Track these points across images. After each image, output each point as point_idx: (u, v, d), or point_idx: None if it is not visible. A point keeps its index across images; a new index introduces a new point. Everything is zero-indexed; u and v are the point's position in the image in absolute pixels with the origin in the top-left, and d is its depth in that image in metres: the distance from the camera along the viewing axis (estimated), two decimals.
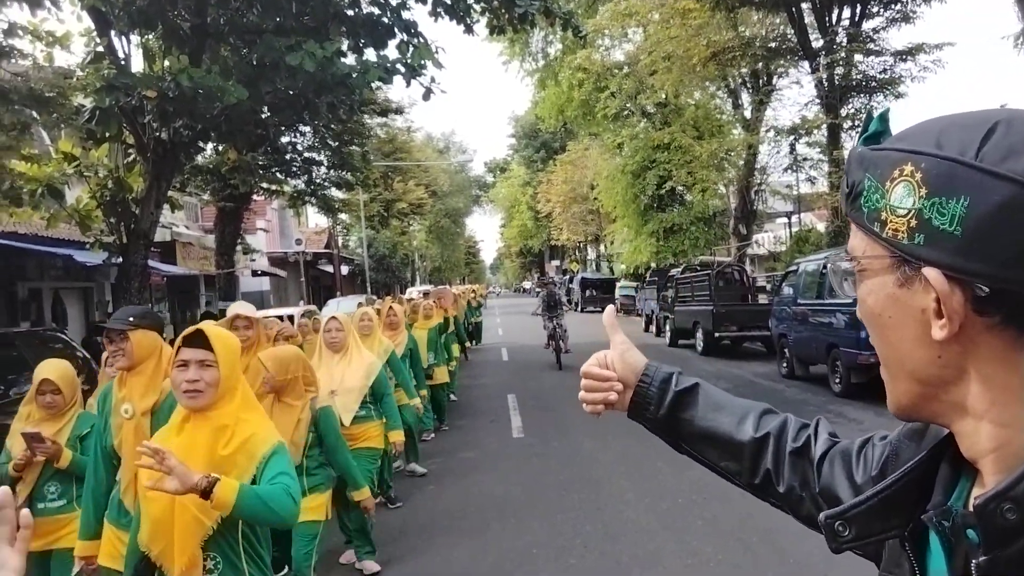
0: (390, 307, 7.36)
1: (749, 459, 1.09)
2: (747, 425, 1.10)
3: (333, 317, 5.19)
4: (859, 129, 0.80)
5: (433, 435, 8.98)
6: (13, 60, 9.28)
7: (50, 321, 14.09)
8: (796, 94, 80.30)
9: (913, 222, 0.66)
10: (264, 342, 4.68)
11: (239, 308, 4.68)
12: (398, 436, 5.37)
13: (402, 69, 10.87)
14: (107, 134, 9.83)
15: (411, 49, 10.99)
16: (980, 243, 0.63)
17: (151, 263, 12.32)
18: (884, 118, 0.77)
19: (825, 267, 10.55)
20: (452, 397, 11.09)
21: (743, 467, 1.10)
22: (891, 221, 0.69)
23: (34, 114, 10.19)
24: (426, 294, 16.55)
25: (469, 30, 12.25)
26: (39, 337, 7.75)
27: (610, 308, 1.29)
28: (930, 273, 0.66)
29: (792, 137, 21.43)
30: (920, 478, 0.77)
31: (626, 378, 1.16)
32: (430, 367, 8.20)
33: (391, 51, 11.24)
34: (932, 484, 0.76)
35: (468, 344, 17.04)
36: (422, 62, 10.86)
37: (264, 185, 21.41)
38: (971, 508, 0.66)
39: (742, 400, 1.16)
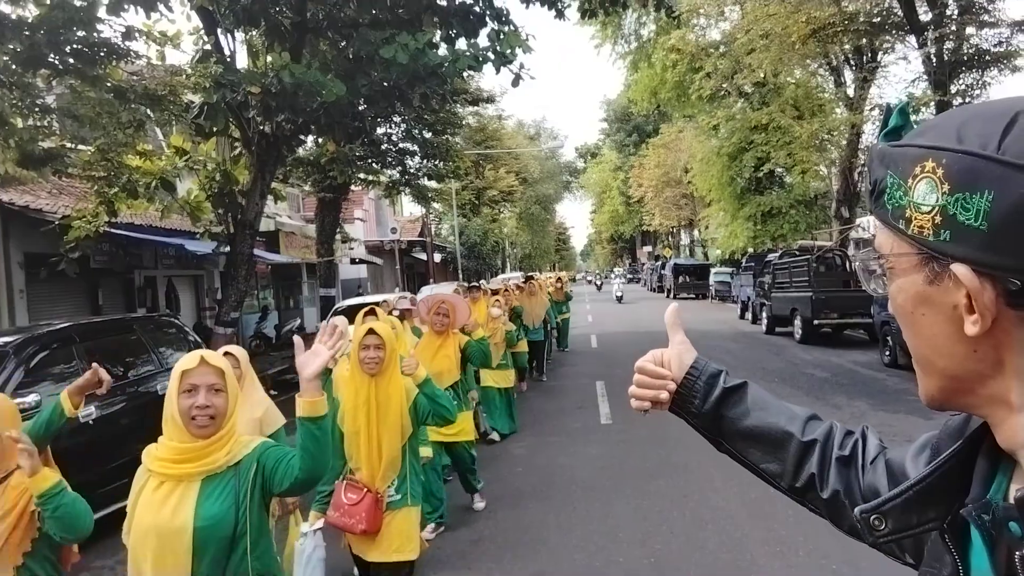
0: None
1: (793, 462, 1.08)
2: (793, 428, 1.10)
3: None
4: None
5: None
6: (130, 61, 9.87)
7: (164, 307, 14.99)
8: (903, 70, 76.27)
9: (938, 219, 0.65)
10: None
11: None
12: None
13: (492, 57, 10.97)
14: (214, 129, 10.37)
15: (501, 37, 11.07)
16: (1007, 237, 0.61)
17: (256, 252, 12.90)
18: (904, 112, 0.75)
19: None
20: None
21: (785, 469, 1.09)
22: (916, 218, 0.68)
23: (148, 111, 10.82)
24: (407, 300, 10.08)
25: (560, 15, 12.21)
26: (154, 322, 8.25)
27: (673, 305, 1.27)
28: (959, 269, 0.64)
29: None
30: (957, 470, 0.76)
31: (679, 378, 1.16)
32: None
33: (481, 39, 11.37)
34: (970, 476, 0.75)
35: (533, 368, 12.70)
36: (511, 49, 10.92)
37: (361, 176, 21.95)
38: (1011, 501, 0.65)
39: (789, 404, 1.15)
